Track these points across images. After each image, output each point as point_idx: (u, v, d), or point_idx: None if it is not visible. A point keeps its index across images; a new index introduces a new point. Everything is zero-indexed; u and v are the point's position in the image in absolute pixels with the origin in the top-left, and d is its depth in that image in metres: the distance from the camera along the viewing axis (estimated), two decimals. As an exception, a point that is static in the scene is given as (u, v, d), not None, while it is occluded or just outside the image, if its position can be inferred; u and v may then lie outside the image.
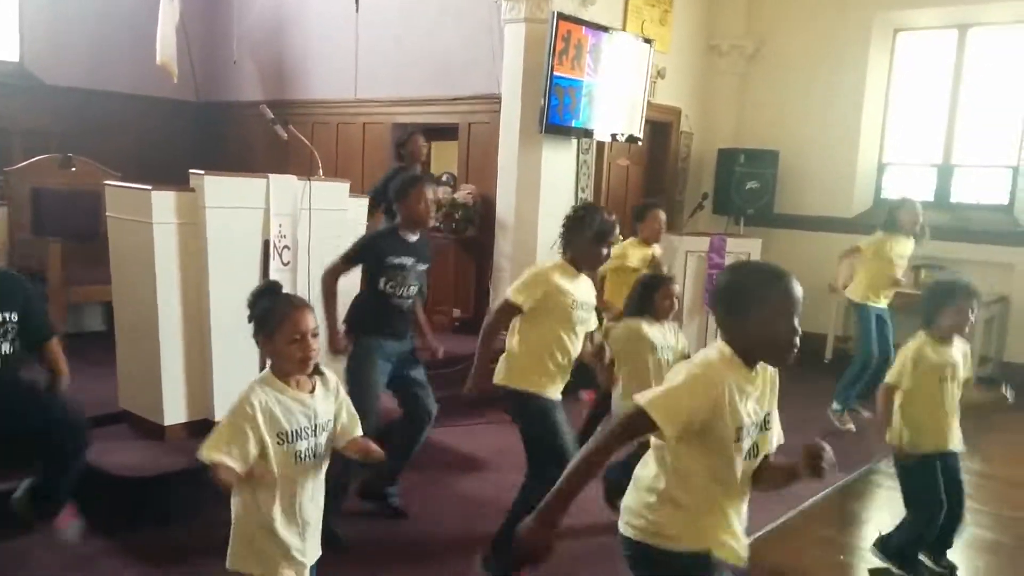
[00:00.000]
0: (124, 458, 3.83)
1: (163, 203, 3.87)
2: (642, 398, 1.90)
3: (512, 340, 3.22)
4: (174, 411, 4.05)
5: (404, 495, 4.00)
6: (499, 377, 3.24)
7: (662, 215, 5.22)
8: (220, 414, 4.03)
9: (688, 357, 3.88)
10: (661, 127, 8.01)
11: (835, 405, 5.83)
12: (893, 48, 8.03)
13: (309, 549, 2.30)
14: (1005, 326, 7.22)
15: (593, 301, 3.28)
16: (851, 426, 5.75)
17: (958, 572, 3.61)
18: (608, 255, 3.27)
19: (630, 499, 2.07)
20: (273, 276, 4.17)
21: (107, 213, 4.13)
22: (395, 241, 3.66)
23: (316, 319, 2.27)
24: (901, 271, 5.76)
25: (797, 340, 1.90)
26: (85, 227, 5.65)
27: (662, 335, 3.76)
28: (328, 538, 3.59)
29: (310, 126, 8.32)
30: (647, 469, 2.05)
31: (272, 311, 2.25)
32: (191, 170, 4.01)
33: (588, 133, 6.69)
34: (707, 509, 1.97)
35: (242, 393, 2.21)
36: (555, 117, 6.25)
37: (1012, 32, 7.38)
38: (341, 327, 3.64)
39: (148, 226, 3.85)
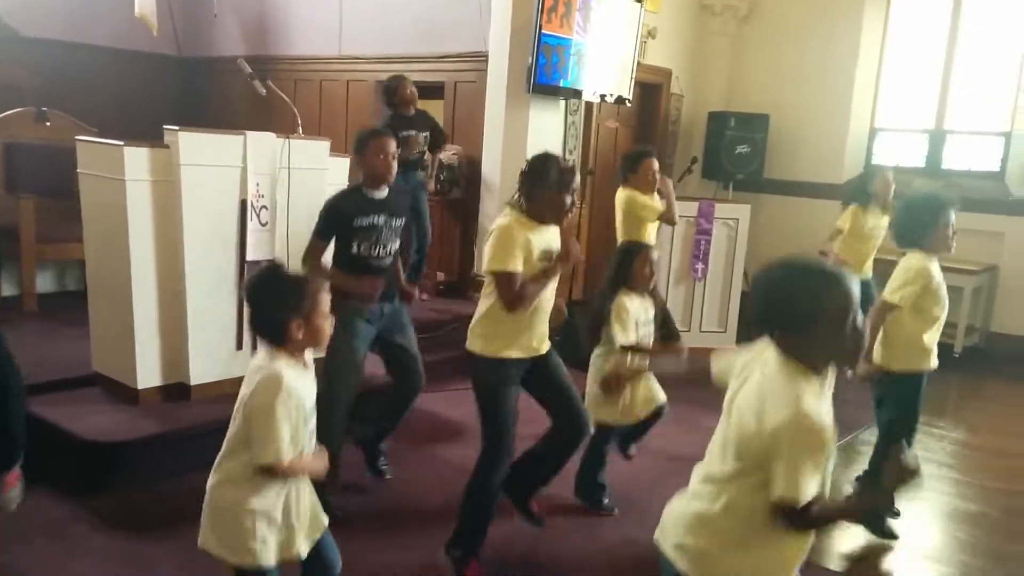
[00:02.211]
0: (95, 422, 3.75)
1: (136, 159, 3.74)
2: (789, 493, 1.67)
3: (481, 304, 3.04)
4: (148, 374, 3.96)
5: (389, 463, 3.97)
6: (468, 343, 3.08)
7: (655, 164, 4.89)
8: (196, 378, 4.02)
9: (665, 324, 3.84)
10: (651, 89, 7.86)
11: None
12: (888, 11, 7.88)
13: (312, 524, 2.29)
14: (993, 296, 7.19)
15: (556, 247, 3.05)
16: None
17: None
18: (572, 204, 3.02)
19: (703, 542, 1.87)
20: (251, 237, 4.10)
21: (79, 169, 4.00)
22: (360, 201, 3.48)
23: None
24: (877, 242, 5.64)
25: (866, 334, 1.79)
26: (60, 184, 5.44)
27: (644, 310, 3.66)
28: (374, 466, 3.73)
29: (293, 83, 8.14)
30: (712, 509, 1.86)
31: (303, 289, 2.15)
32: (165, 126, 3.88)
33: (577, 93, 6.54)
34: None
35: (271, 378, 2.09)
36: (543, 77, 6.10)
37: (1009, -5, 7.25)
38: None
39: (121, 183, 3.73)
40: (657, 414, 3.74)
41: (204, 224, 3.93)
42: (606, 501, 3.75)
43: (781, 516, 1.71)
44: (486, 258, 2.94)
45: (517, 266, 2.88)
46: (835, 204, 7.69)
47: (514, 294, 2.88)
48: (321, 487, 3.21)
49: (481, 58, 6.54)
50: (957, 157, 7.61)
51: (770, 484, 1.69)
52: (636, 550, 3.41)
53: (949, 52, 7.55)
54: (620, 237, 4.89)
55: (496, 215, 6.32)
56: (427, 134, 5.95)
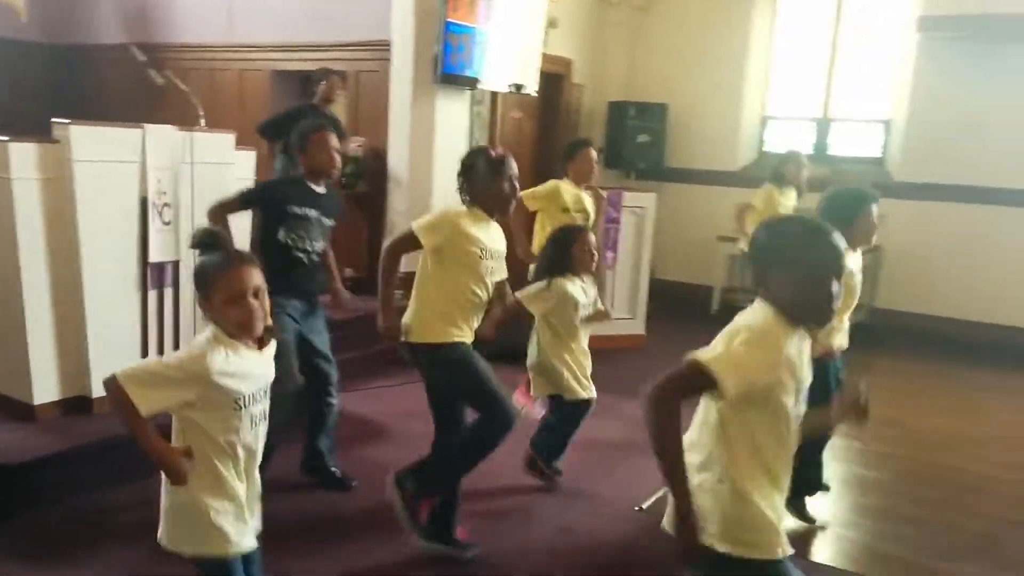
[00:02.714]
0: (-12, 441, 3.44)
1: (23, 156, 3.44)
2: (701, 354, 1.77)
3: (417, 295, 3.03)
4: (44, 388, 3.66)
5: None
6: (406, 335, 3.02)
7: (594, 153, 4.96)
8: (99, 390, 3.74)
9: (599, 311, 3.86)
10: (553, 79, 7.87)
11: None
12: (776, 3, 8.17)
13: (254, 514, 2.14)
14: (877, 275, 7.57)
15: (503, 249, 3.10)
16: None
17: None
18: (513, 190, 3.02)
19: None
20: (153, 237, 3.85)
21: (-45, 167, 3.64)
22: (302, 190, 3.40)
23: (260, 276, 2.01)
24: None
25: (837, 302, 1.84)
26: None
27: (583, 292, 3.66)
28: (333, 480, 3.60)
29: (181, 73, 7.68)
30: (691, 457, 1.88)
31: (206, 267, 1.99)
32: (54, 119, 3.58)
33: (481, 83, 6.45)
34: (774, 494, 1.89)
35: (195, 350, 1.94)
36: (449, 66, 6.00)
37: (887, -11, 7.63)
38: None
39: (5, 182, 3.43)
40: (582, 410, 3.75)
41: (102, 224, 3.65)
42: (558, 465, 3.81)
43: (668, 376, 1.79)
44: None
45: (425, 239, 2.92)
46: (731, 190, 7.99)
47: (395, 253, 3.01)
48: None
49: (383, 47, 6.37)
50: (842, 144, 7.98)
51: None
52: (572, 538, 3.41)
53: (833, 44, 7.91)
54: (541, 231, 4.91)
55: (404, 209, 6.29)
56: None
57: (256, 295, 1.97)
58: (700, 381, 1.77)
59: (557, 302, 3.59)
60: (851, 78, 7.89)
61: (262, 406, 2.06)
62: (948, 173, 7.19)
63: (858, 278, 3.53)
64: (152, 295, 3.90)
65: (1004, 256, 7.07)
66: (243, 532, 2.06)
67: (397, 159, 6.37)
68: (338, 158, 3.47)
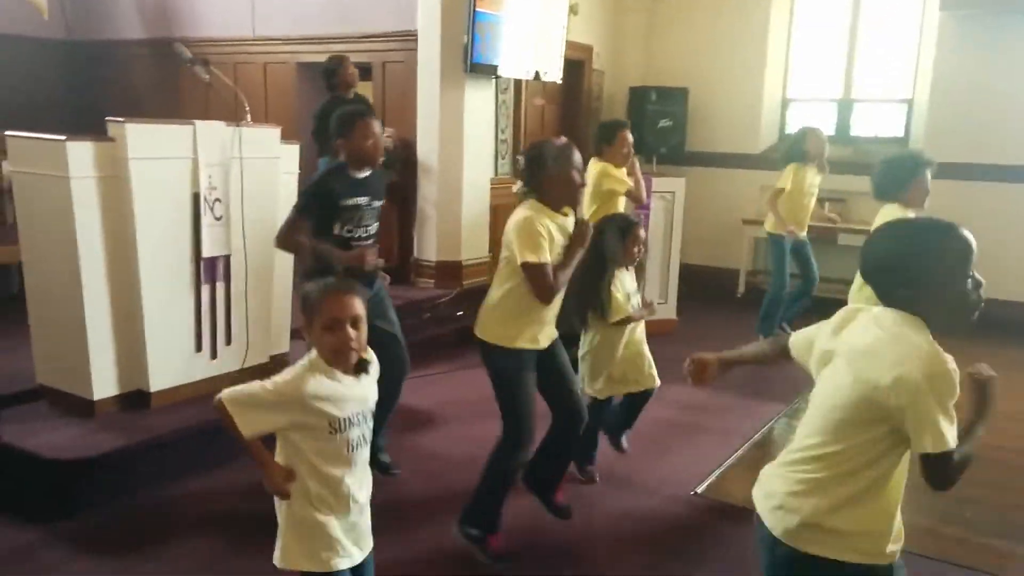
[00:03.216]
0: (51, 439, 3.49)
1: (80, 155, 3.47)
2: (950, 442, 1.64)
3: (496, 292, 3.00)
4: (104, 384, 3.71)
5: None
6: (478, 329, 3.05)
7: (630, 136, 4.78)
8: (156, 384, 3.80)
9: (647, 303, 3.86)
10: (574, 65, 7.87)
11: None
12: (795, -16, 8.16)
13: (363, 535, 2.13)
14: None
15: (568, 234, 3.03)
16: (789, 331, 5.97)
17: None
18: (582, 179, 3.00)
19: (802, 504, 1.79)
20: (205, 232, 3.90)
21: (10, 168, 3.69)
22: (346, 181, 3.37)
23: (361, 306, 2.01)
24: (814, 199, 5.94)
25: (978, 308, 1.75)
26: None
27: (632, 283, 3.68)
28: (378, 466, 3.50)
29: (204, 67, 7.76)
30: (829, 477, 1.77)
31: (311, 292, 2.01)
32: (109, 118, 3.61)
33: (504, 71, 6.45)
34: (899, 500, 1.82)
35: (292, 375, 1.98)
36: (478, 56, 6.01)
37: (908, -32, 7.61)
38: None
39: (64, 181, 3.45)
40: (646, 396, 3.77)
41: (157, 221, 3.69)
42: (590, 468, 3.79)
43: (929, 470, 1.66)
44: (515, 251, 2.84)
45: (547, 256, 2.84)
46: (753, 173, 8.01)
47: (548, 284, 2.84)
48: None
49: (409, 37, 6.39)
50: (864, 124, 7.98)
51: (913, 439, 1.66)
52: (633, 523, 3.46)
53: (853, 23, 7.89)
54: (587, 211, 4.85)
55: (435, 198, 6.32)
56: None
57: (355, 324, 1.98)
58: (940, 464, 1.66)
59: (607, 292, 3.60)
60: (872, 58, 7.88)
61: (360, 431, 2.05)
62: (972, 152, 7.17)
63: None
64: (205, 290, 3.95)
65: (1029, 233, 7.07)
66: (350, 548, 2.07)
67: (426, 149, 6.39)
68: (382, 145, 3.46)
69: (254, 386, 1.97)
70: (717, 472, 3.97)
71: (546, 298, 2.87)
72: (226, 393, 1.95)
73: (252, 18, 7.26)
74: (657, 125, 7.98)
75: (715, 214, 8.10)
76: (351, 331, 1.97)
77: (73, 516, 3.28)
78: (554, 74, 6.98)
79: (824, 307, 6.69)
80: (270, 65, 7.32)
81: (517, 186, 3.13)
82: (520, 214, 2.91)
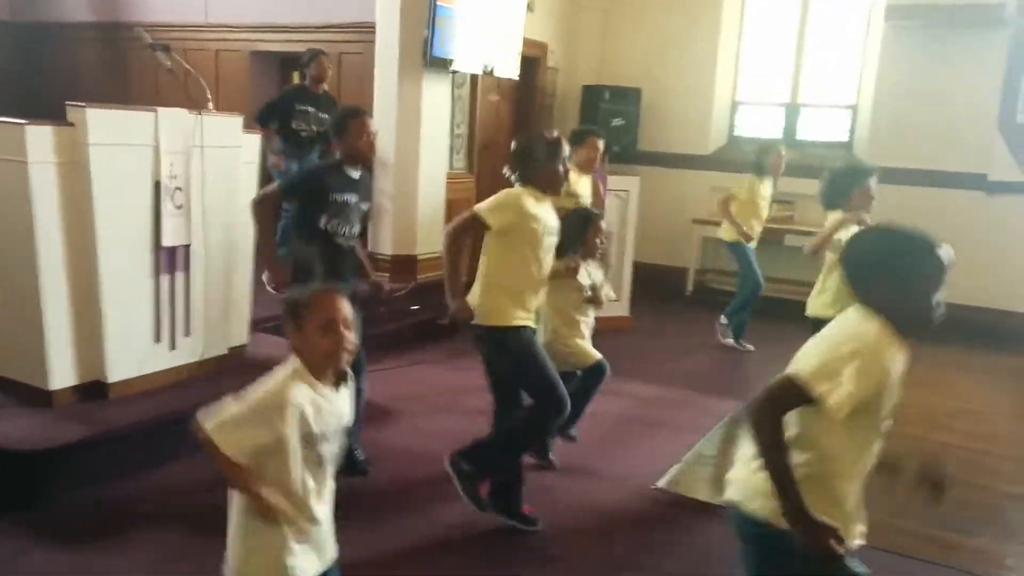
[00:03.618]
0: (6, 429, 3.40)
1: (39, 139, 3.39)
2: (802, 370, 1.77)
3: (483, 277, 3.12)
4: (62, 374, 3.63)
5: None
6: (477, 318, 3.11)
7: (600, 144, 4.85)
8: (114, 375, 3.73)
9: (596, 296, 3.96)
10: (529, 62, 7.92)
11: (723, 320, 6.24)
12: (745, -11, 8.35)
13: (324, 545, 2.07)
14: (845, 255, 7.85)
15: (557, 225, 3.21)
16: (751, 347, 6.16)
17: None
18: (566, 170, 3.18)
19: (755, 478, 1.85)
20: (166, 221, 3.83)
21: (-36, 150, 3.57)
22: (341, 177, 3.44)
23: (350, 308, 1.97)
24: (766, 211, 6.12)
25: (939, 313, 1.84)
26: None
27: (589, 275, 3.77)
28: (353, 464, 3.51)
29: (151, 52, 7.58)
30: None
31: (301, 293, 1.99)
32: (68, 102, 3.53)
33: (457, 65, 6.46)
34: (850, 494, 1.88)
35: (274, 384, 1.92)
36: (437, 50, 6.02)
37: (853, -22, 7.87)
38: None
39: (22, 166, 3.37)
40: (598, 375, 3.85)
41: (116, 208, 3.62)
42: (551, 456, 3.89)
43: (769, 393, 1.78)
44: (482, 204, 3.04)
45: (494, 220, 3.00)
46: (703, 174, 8.19)
47: (457, 238, 3.04)
48: None
49: (368, 29, 6.36)
50: (810, 128, 8.22)
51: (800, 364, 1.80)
52: (598, 517, 3.53)
53: (801, 30, 8.11)
54: None
55: (391, 191, 6.30)
56: (326, 116, 5.80)
57: (347, 326, 1.94)
58: (801, 398, 1.77)
59: (564, 284, 3.69)
60: (818, 64, 8.12)
61: (331, 447, 2.00)
62: (912, 157, 7.44)
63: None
64: (164, 279, 3.89)
65: (964, 239, 7.36)
66: (314, 567, 2.02)
67: (384, 142, 6.34)
68: (376, 143, 3.53)
69: (231, 407, 1.89)
70: (676, 467, 4.07)
71: (447, 237, 3.06)
72: (205, 422, 1.87)
73: (205, 3, 7.13)
74: (610, 124, 8.09)
75: (666, 213, 8.23)
76: (345, 331, 1.93)
77: (32, 507, 3.20)
78: (511, 70, 7.02)
79: (771, 306, 6.93)
80: (222, 52, 7.20)
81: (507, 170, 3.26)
82: (511, 189, 3.12)
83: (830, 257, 3.86)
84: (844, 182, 3.78)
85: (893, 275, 1.82)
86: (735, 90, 8.52)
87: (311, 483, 1.96)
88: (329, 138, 5.86)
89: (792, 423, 1.84)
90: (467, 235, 3.10)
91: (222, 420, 1.87)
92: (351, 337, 1.94)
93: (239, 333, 4.42)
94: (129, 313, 3.77)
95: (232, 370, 4.22)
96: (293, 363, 1.96)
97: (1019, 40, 6.95)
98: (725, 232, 6.17)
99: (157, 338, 3.91)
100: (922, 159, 7.43)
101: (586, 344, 3.89)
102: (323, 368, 1.95)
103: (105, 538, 3.09)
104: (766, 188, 6.09)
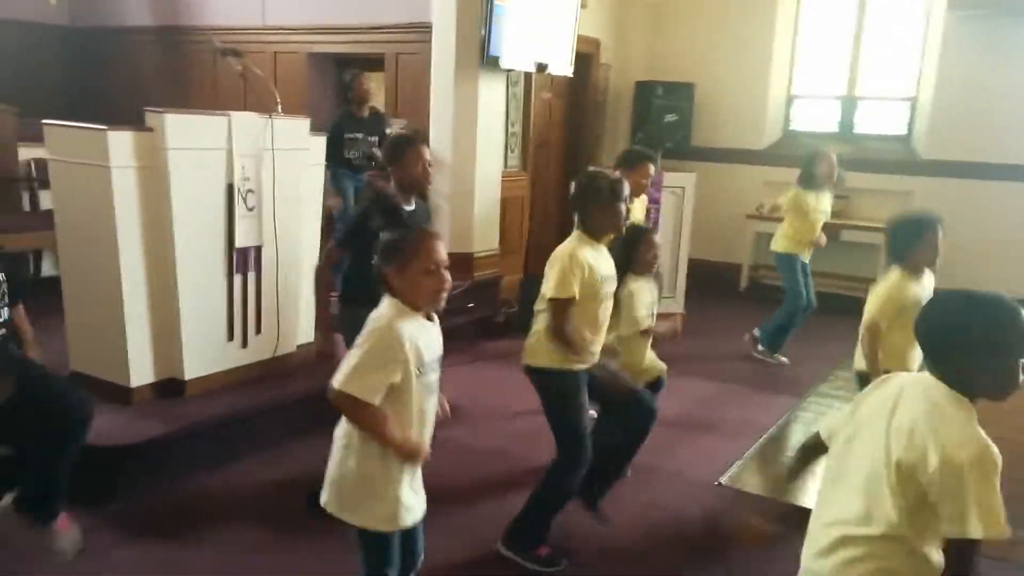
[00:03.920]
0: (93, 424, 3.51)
1: (120, 144, 3.50)
2: (985, 529, 1.64)
3: (540, 317, 3.03)
4: (141, 372, 3.75)
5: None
6: (527, 358, 3.08)
7: (653, 169, 4.66)
8: (190, 372, 3.84)
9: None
10: (582, 59, 7.88)
11: (760, 347, 5.97)
12: (801, -18, 8.24)
13: (420, 488, 2.26)
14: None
15: (614, 271, 3.13)
16: (784, 359, 5.94)
17: None
18: (628, 212, 3.13)
19: None
20: (238, 223, 3.93)
21: (49, 156, 3.70)
22: (391, 214, 3.29)
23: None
24: (821, 225, 5.74)
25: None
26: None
27: (650, 292, 3.72)
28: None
29: (212, 56, 7.74)
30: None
31: (405, 239, 2.13)
32: (147, 108, 3.64)
33: (508, 63, 6.46)
34: None
35: (379, 322, 2.08)
36: (494, 49, 6.05)
37: (913, -31, 7.72)
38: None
39: (105, 170, 3.48)
40: (657, 386, 3.83)
41: (193, 211, 3.73)
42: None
43: (958, 554, 1.67)
44: (549, 283, 2.94)
45: (573, 292, 2.90)
46: (757, 169, 8.12)
47: (561, 323, 2.91)
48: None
49: (423, 29, 6.41)
50: (868, 122, 8.08)
51: (948, 521, 1.66)
52: (662, 514, 3.54)
53: (858, 22, 7.98)
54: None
55: (448, 191, 6.35)
56: (376, 139, 5.89)
57: (446, 267, 2.12)
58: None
59: (624, 302, 3.58)
60: (877, 56, 7.97)
61: (435, 376, 2.18)
62: (974, 151, 7.30)
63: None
64: (237, 280, 3.98)
65: (1028, 232, 7.21)
66: (417, 502, 2.19)
67: (440, 142, 6.40)
68: (432, 172, 3.45)
69: (350, 360, 2.04)
70: (738, 463, 4.06)
71: (555, 336, 2.92)
72: (336, 383, 2.03)
73: (262, 6, 7.26)
74: (663, 119, 8.05)
75: (719, 209, 8.17)
76: (446, 273, 2.11)
77: (115, 501, 3.32)
78: (564, 68, 7.02)
79: (828, 301, 6.78)
80: (280, 55, 7.32)
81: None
82: (566, 247, 2.99)
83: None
84: (906, 233, 3.46)
85: (979, 345, 1.72)
86: (790, 84, 8.40)
87: (421, 417, 2.15)
88: (376, 162, 6.01)
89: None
90: (563, 317, 2.94)
91: (348, 374, 2.02)
92: (449, 278, 2.11)
93: (306, 331, 4.51)
94: (204, 312, 3.87)
95: (300, 367, 4.32)
96: (391, 303, 2.11)
97: (1088, 29, 6.77)
98: (776, 244, 5.88)
99: (230, 336, 4.01)
100: (984, 152, 7.28)
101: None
102: (424, 306, 2.12)
103: (192, 532, 3.20)
104: (823, 203, 5.71)
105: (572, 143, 8.19)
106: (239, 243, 3.92)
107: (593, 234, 3.01)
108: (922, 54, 7.69)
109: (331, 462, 2.18)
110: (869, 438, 1.81)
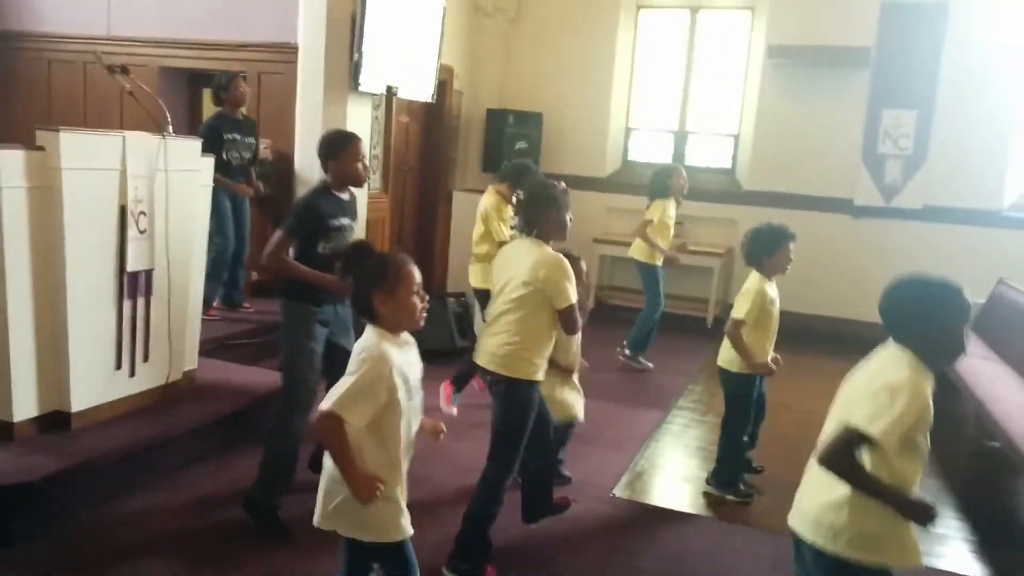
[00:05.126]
0: (-31, 464, 3.26)
1: (11, 164, 3.29)
2: (871, 428, 2.03)
3: (521, 329, 3.10)
4: (24, 405, 3.50)
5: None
6: (499, 366, 3.13)
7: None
8: (77, 404, 3.65)
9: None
10: (438, 85, 8.10)
11: (627, 352, 6.53)
12: (637, 22, 8.90)
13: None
14: (731, 273, 8.50)
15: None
16: (650, 364, 6.51)
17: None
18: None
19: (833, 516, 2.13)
20: (130, 245, 3.78)
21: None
22: (333, 202, 3.48)
23: None
24: (672, 231, 6.49)
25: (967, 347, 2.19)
26: None
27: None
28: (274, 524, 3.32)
29: (45, 64, 7.24)
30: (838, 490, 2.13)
31: (388, 265, 2.23)
32: (38, 125, 3.43)
33: (390, 89, 6.58)
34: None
35: (371, 352, 2.16)
36: (364, 72, 6.11)
37: (735, 16, 8.56)
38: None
39: (-7, 191, 3.25)
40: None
41: (85, 234, 3.55)
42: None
43: (838, 444, 2.08)
44: (560, 293, 3.04)
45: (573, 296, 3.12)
46: (601, 195, 8.65)
47: (577, 320, 3.16)
48: (270, 494, 3.20)
49: (289, 50, 6.36)
50: (697, 155, 8.85)
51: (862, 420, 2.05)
52: (564, 524, 3.76)
53: (688, 61, 8.74)
54: (475, 234, 5.15)
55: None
56: (252, 140, 5.77)
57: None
58: (862, 444, 2.06)
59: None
60: (704, 95, 8.77)
61: (420, 396, 2.30)
62: (788, 183, 8.21)
63: (777, 304, 4.06)
64: (127, 305, 3.82)
65: (832, 258, 8.16)
66: (407, 517, 2.29)
67: (305, 162, 6.37)
68: (367, 168, 3.58)
69: (341, 387, 2.11)
70: (626, 476, 4.37)
71: (576, 331, 3.26)
72: (328, 404, 2.09)
73: (108, 15, 6.88)
74: (514, 146, 8.41)
75: (571, 232, 8.58)
76: (424, 294, 2.28)
77: (11, 544, 3.10)
78: (424, 93, 7.17)
79: (669, 320, 7.25)
80: (128, 68, 6.93)
81: (515, 221, 3.42)
82: (545, 253, 3.10)
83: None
84: (768, 244, 3.97)
85: (930, 319, 2.12)
86: (628, 117, 9.04)
87: (413, 435, 2.28)
88: (258, 164, 5.91)
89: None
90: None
91: (340, 399, 2.09)
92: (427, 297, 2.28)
93: (190, 358, 4.37)
94: (93, 340, 3.69)
95: (188, 395, 4.18)
96: (376, 331, 2.22)
97: (880, 79, 7.82)
98: (637, 253, 6.50)
99: (118, 365, 3.83)
100: (796, 184, 8.19)
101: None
102: (405, 326, 2.25)
103: (91, 571, 3.04)
104: (671, 209, 6.43)
105: (429, 166, 8.36)
106: (130, 267, 3.77)
107: (545, 238, 3.16)
108: (743, 95, 8.55)
109: (330, 484, 2.23)
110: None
